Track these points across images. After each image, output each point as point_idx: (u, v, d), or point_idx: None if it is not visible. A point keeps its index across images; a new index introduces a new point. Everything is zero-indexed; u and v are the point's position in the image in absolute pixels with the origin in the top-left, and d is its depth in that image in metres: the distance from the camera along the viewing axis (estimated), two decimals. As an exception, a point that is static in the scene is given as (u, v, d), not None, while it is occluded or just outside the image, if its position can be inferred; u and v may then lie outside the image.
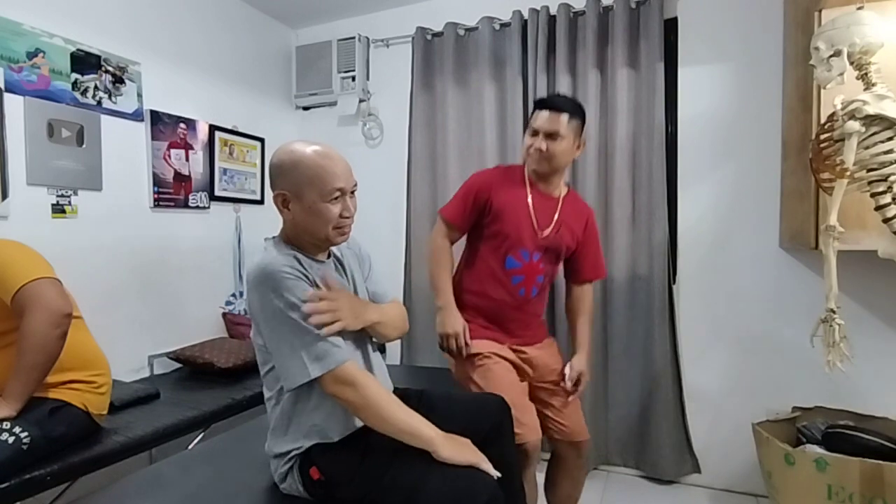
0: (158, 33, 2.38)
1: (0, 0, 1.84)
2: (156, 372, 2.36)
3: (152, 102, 2.34)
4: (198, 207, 2.57)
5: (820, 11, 1.74)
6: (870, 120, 1.35)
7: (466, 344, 1.66)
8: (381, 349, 1.33)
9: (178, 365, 2.35)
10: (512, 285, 1.70)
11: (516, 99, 2.57)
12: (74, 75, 2.04)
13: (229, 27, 2.76)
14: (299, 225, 1.19)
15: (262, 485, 1.24)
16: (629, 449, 2.47)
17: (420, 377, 2.16)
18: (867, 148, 1.36)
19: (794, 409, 2.12)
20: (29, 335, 1.39)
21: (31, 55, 1.91)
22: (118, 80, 2.20)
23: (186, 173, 2.50)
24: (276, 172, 1.18)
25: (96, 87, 2.12)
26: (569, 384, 1.72)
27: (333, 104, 3.04)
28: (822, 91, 1.74)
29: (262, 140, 2.92)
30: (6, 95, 1.84)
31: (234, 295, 2.74)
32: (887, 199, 1.35)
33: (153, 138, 2.34)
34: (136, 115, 2.28)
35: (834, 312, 1.47)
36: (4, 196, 1.84)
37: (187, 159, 2.51)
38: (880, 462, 1.60)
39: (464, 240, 1.81)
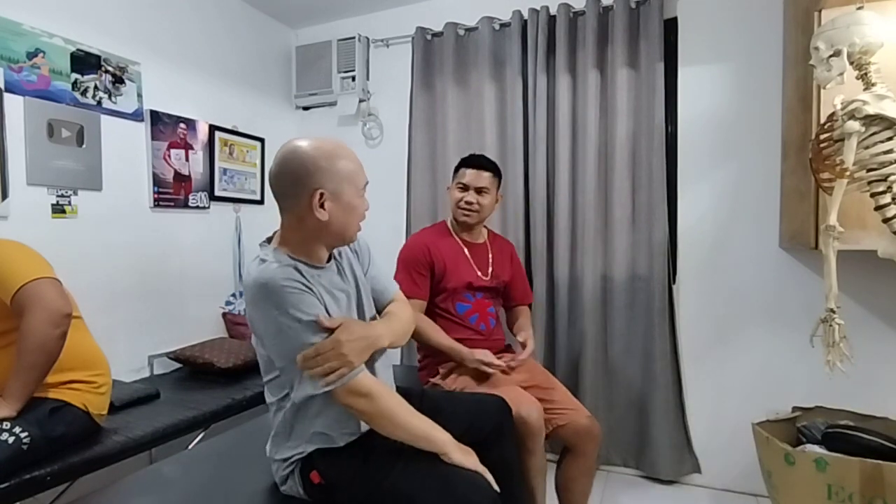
0: (158, 33, 2.38)
1: (0, 0, 1.84)
2: (156, 372, 2.36)
3: (152, 102, 2.34)
4: (198, 207, 2.57)
5: (820, 11, 1.74)
6: (870, 120, 1.34)
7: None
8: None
9: (178, 365, 2.36)
10: (471, 324, 1.89)
11: (516, 99, 2.57)
12: (74, 75, 2.04)
13: (229, 27, 2.76)
14: (330, 225, 1.11)
15: (263, 485, 1.24)
16: (629, 449, 2.47)
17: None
18: (867, 148, 1.36)
19: (794, 408, 2.12)
20: (29, 335, 1.39)
21: (31, 55, 1.91)
22: (118, 80, 2.20)
23: (186, 173, 2.50)
24: (308, 170, 1.09)
25: (96, 87, 2.12)
26: (522, 356, 1.83)
27: (333, 104, 3.03)
28: (822, 91, 1.74)
29: (262, 140, 2.92)
30: (6, 95, 1.84)
31: (233, 295, 2.74)
32: (887, 198, 1.35)
33: (153, 138, 2.34)
34: (136, 115, 2.28)
35: (834, 312, 1.47)
36: (4, 196, 1.84)
37: (187, 159, 2.50)
38: (880, 462, 1.60)
39: None
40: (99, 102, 2.13)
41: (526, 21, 2.55)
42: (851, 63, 1.39)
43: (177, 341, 2.39)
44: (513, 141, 2.57)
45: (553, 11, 2.49)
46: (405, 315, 1.33)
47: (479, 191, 1.88)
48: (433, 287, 1.87)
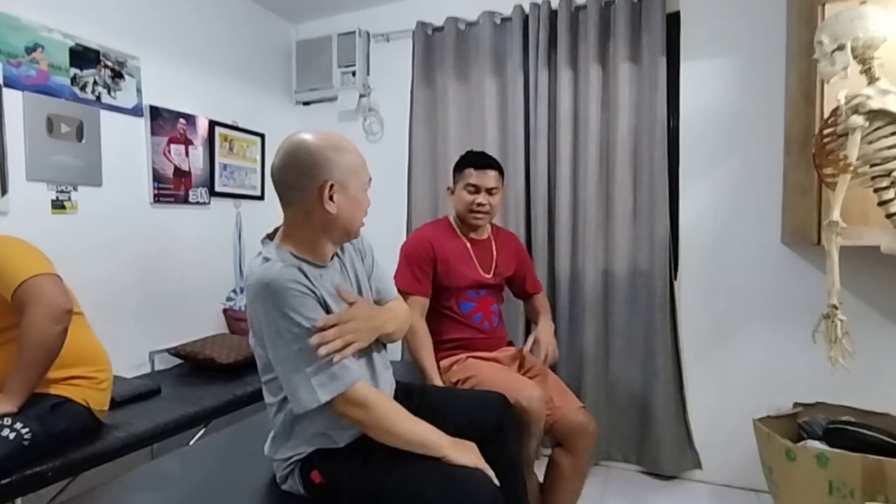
0: (158, 28, 2.37)
1: (-2, -6, 1.83)
2: (157, 368, 2.36)
3: (152, 98, 2.33)
4: (198, 203, 2.56)
5: (823, 5, 1.73)
6: (873, 115, 1.34)
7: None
8: (384, 345, 1.32)
9: (178, 361, 2.35)
10: (475, 323, 1.88)
11: (517, 94, 2.56)
12: (73, 70, 2.04)
13: (229, 22, 2.74)
14: (338, 218, 1.11)
15: (264, 481, 1.24)
16: (630, 444, 2.47)
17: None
18: (871, 143, 1.35)
19: (796, 404, 2.11)
20: (29, 331, 1.39)
21: (30, 50, 1.90)
22: (117, 75, 2.19)
23: (186, 169, 2.49)
24: (316, 161, 1.08)
25: (95, 82, 2.11)
26: (526, 347, 1.88)
27: (334, 99, 3.02)
28: (826, 86, 1.73)
29: (262, 135, 2.91)
30: (5, 90, 1.83)
31: (234, 291, 2.74)
32: (891, 194, 1.34)
33: (153, 133, 2.33)
34: (136, 111, 2.27)
35: (836, 308, 1.46)
36: (4, 192, 1.83)
37: (187, 155, 2.50)
38: (882, 458, 1.59)
39: None
40: (98, 97, 2.13)
41: (527, 15, 2.54)
42: (855, 57, 1.38)
43: (178, 337, 2.39)
44: (514, 136, 2.56)
45: (554, 6, 2.48)
46: (402, 310, 1.35)
47: (489, 191, 1.86)
48: (435, 284, 1.85)
